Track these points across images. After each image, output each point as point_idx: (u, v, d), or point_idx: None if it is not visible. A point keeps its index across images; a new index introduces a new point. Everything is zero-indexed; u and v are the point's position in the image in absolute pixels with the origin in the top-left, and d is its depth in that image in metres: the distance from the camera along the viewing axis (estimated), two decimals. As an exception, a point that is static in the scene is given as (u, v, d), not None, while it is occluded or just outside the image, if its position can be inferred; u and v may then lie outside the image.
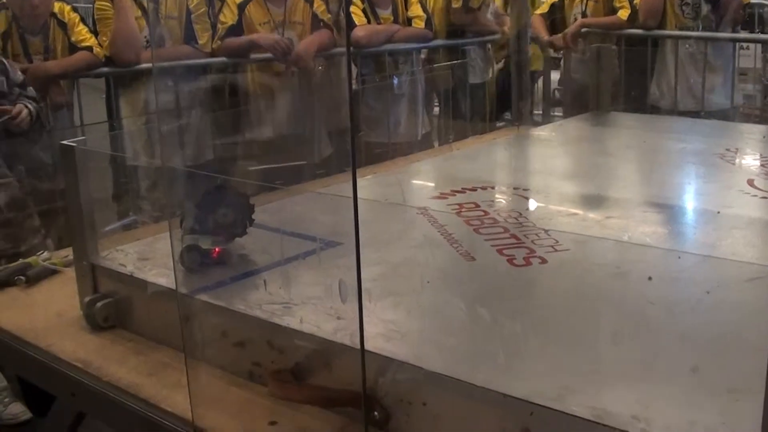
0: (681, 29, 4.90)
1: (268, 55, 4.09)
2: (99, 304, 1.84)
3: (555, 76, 5.42)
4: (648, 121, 3.80)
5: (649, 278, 1.69)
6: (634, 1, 4.98)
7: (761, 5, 5.59)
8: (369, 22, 4.58)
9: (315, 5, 4.31)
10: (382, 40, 4.53)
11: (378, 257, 1.86)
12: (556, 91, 5.44)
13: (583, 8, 5.08)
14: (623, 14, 4.99)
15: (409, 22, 4.66)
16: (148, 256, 1.94)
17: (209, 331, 1.63)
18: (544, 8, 5.33)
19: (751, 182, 2.45)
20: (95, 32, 3.92)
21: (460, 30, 5.06)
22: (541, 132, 3.47)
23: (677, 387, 1.28)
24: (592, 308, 1.61)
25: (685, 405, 1.24)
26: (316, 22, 4.27)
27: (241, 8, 4.10)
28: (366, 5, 4.60)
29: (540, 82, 5.36)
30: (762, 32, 5.52)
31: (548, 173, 2.77)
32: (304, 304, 1.60)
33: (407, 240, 2.00)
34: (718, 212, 2.21)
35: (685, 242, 2.04)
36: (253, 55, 4.13)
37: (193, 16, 4.08)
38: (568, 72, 5.10)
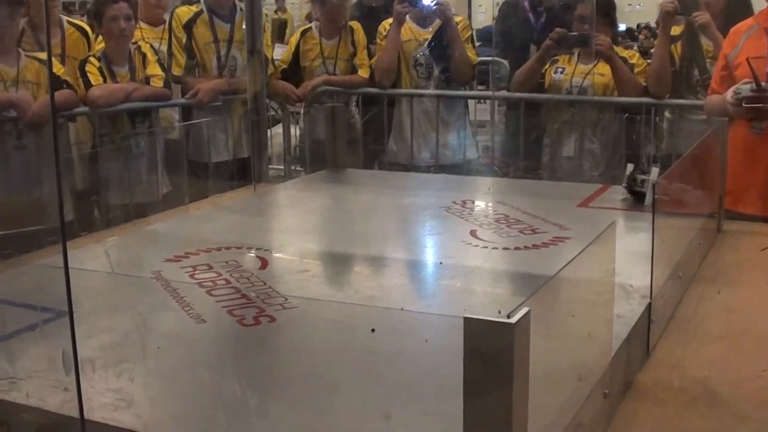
0: (415, 88, 5.19)
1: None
2: None
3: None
4: (383, 178, 3.96)
5: (372, 330, 1.78)
6: (371, 61, 5.21)
7: (495, 62, 5.92)
8: (105, 80, 4.51)
9: (55, 66, 4.19)
10: (120, 99, 4.47)
11: (108, 325, 1.84)
12: (297, 148, 5.55)
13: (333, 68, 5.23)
14: (364, 72, 5.20)
15: (147, 80, 4.63)
16: None
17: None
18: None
19: (473, 233, 2.60)
20: None
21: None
22: (279, 190, 3.53)
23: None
24: (317, 363, 1.66)
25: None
26: (57, 83, 4.16)
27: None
28: (102, 63, 4.53)
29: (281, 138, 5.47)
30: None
31: (281, 231, 2.82)
32: (30, 378, 1.56)
33: (139, 306, 1.98)
34: (441, 263, 2.35)
35: (409, 294, 2.15)
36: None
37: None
38: (307, 129, 5.24)
